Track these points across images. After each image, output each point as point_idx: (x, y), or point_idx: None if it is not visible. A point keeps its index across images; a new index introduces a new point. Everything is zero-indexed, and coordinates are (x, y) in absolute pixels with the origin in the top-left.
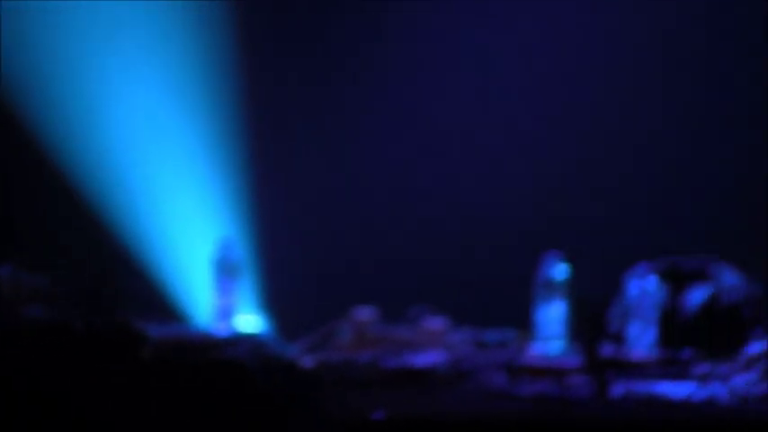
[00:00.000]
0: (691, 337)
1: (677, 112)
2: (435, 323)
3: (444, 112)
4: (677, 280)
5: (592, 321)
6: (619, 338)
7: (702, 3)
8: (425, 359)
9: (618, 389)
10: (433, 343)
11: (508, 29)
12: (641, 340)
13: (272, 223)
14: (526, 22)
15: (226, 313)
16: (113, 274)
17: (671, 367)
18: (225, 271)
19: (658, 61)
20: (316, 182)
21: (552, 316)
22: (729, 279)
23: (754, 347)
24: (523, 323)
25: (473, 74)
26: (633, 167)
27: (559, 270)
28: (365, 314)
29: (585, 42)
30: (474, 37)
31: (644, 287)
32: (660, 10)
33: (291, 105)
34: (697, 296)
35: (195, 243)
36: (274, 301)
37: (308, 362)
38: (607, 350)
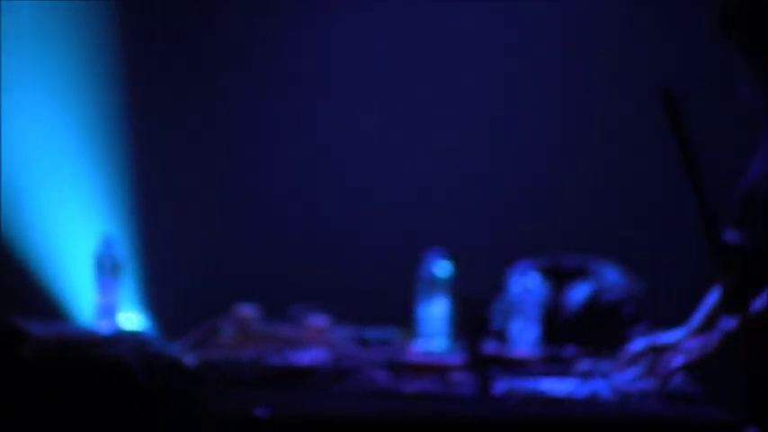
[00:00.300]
0: (573, 334)
1: (559, 112)
2: (317, 321)
3: (327, 112)
4: (559, 277)
5: (474, 319)
6: (501, 336)
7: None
8: (307, 357)
9: (500, 386)
10: (316, 341)
11: (403, 36)
12: (523, 338)
13: (154, 221)
14: (422, 24)
15: (108, 311)
16: None
17: (553, 364)
18: (107, 269)
19: (540, 65)
20: (199, 180)
21: (434, 313)
22: (610, 276)
23: (636, 344)
24: (406, 321)
25: (361, 76)
26: (515, 165)
27: (441, 267)
28: (247, 312)
29: (479, 45)
30: (372, 40)
31: (526, 285)
32: (566, 14)
33: (176, 103)
34: (578, 293)
35: (77, 241)
36: (156, 299)
37: (190, 360)
38: (489, 347)
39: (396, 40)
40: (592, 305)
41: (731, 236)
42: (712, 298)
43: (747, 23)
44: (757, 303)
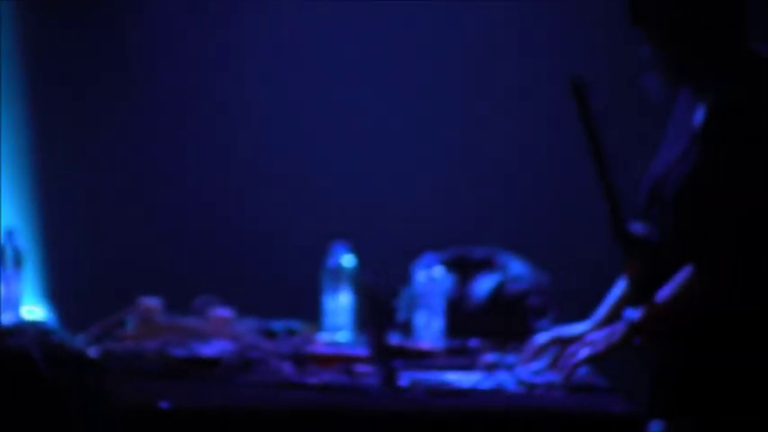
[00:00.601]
0: (478, 326)
1: (463, 104)
2: (222, 313)
3: (232, 106)
4: (464, 269)
5: (379, 311)
6: (406, 328)
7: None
8: (212, 348)
9: (405, 377)
10: (220, 332)
11: (319, 34)
12: (428, 330)
13: (58, 214)
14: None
15: (11, 303)
16: None
17: (458, 356)
18: (9, 261)
19: (447, 63)
20: (103, 172)
21: (339, 306)
22: (516, 269)
23: (541, 336)
24: (311, 313)
25: (274, 71)
26: (419, 157)
27: (346, 260)
28: (151, 304)
29: (390, 45)
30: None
31: (431, 277)
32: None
33: (80, 95)
34: (484, 285)
35: None
36: (60, 291)
37: (93, 351)
38: (394, 339)
39: (312, 39)
40: (497, 297)
41: (637, 227)
42: (617, 290)
43: (656, 10)
44: (662, 294)
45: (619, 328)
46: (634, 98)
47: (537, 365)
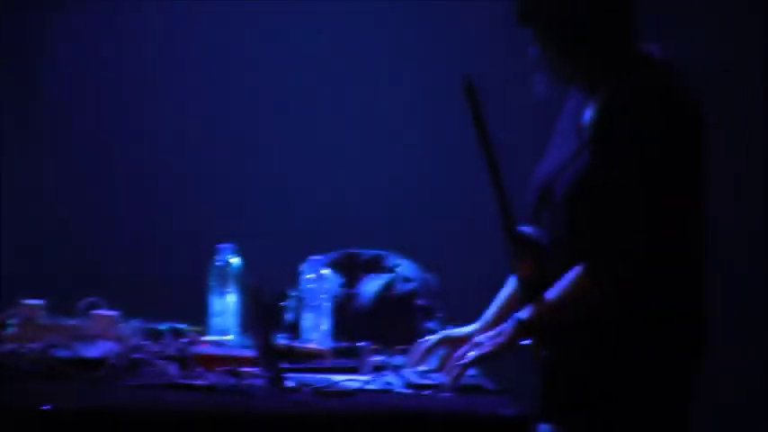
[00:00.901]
0: (365, 327)
1: (352, 105)
2: (107, 314)
3: (116, 104)
4: (352, 270)
5: (265, 312)
6: (294, 329)
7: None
8: (96, 349)
9: (292, 379)
10: (105, 333)
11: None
12: (316, 331)
13: None
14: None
15: None
16: None
17: (346, 358)
18: None
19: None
20: None
21: (225, 307)
22: (404, 270)
23: (429, 338)
24: (197, 315)
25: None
26: (306, 159)
27: (232, 262)
28: (34, 305)
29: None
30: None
31: (318, 278)
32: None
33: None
34: (371, 287)
35: None
36: None
37: None
38: (281, 341)
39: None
40: (384, 298)
41: (527, 229)
42: (506, 291)
43: (543, 10)
44: (550, 293)
45: (507, 328)
46: (527, 99)
47: (425, 367)
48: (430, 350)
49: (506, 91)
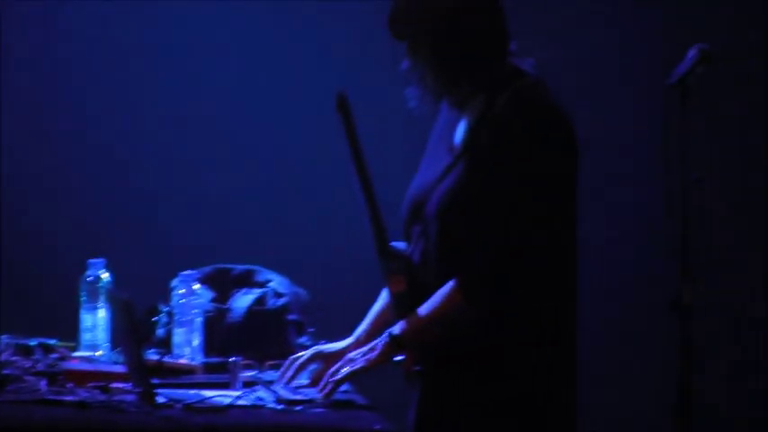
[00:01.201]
0: (237, 342)
1: (222, 118)
2: None
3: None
4: (223, 285)
5: (136, 328)
6: (165, 344)
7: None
8: None
9: (163, 395)
10: None
11: None
12: (187, 346)
13: None
14: None
15: None
16: None
17: (217, 373)
18: None
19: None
20: None
21: (96, 322)
22: (275, 285)
23: (301, 353)
24: (68, 330)
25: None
26: (179, 174)
27: (103, 277)
28: None
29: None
30: None
31: (189, 293)
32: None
33: None
34: (243, 301)
35: None
36: None
37: None
38: (152, 356)
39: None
40: (255, 313)
41: (399, 244)
42: (378, 306)
43: (416, 26)
44: (422, 308)
45: (380, 344)
46: (401, 113)
47: (295, 381)
48: (302, 366)
49: (380, 104)
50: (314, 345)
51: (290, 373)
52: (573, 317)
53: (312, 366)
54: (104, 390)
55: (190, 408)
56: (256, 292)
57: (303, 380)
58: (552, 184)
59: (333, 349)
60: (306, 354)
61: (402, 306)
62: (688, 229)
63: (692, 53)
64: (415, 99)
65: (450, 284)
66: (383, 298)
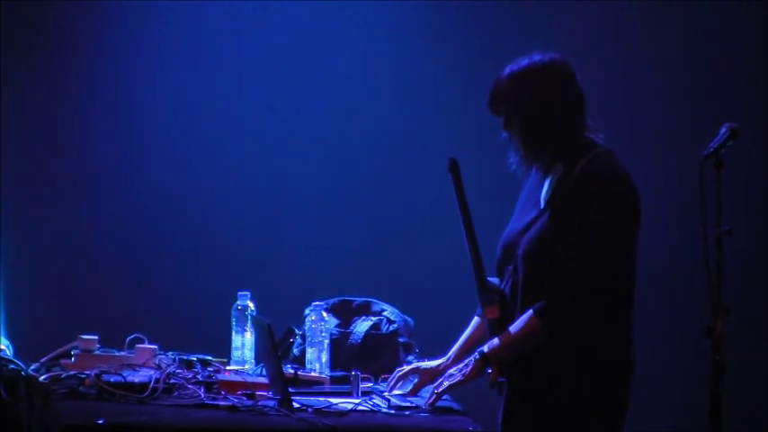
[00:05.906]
0: (356, 360)
1: (352, 164)
2: (148, 347)
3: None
4: (346, 313)
5: (276, 347)
6: (299, 361)
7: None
8: (140, 376)
9: (298, 401)
10: (147, 363)
11: None
12: (317, 362)
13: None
14: None
15: None
16: None
17: (341, 384)
18: None
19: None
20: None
21: (244, 342)
22: (388, 313)
23: (403, 368)
24: (221, 348)
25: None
26: (310, 218)
27: (249, 305)
28: (89, 340)
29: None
30: None
31: (319, 319)
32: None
33: None
34: (362, 327)
35: None
36: (14, 325)
37: (44, 377)
38: (289, 370)
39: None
40: (372, 336)
41: (494, 280)
42: (467, 332)
43: (509, 106)
44: (507, 332)
45: (472, 361)
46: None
47: (399, 390)
48: (403, 377)
49: (484, 167)
50: (415, 361)
51: (392, 383)
52: (628, 336)
53: (411, 378)
54: (251, 396)
55: (319, 411)
56: (373, 320)
57: (404, 389)
58: (616, 233)
59: (429, 365)
60: (407, 368)
61: (494, 329)
62: (720, 271)
63: (723, 130)
64: (514, 163)
65: (529, 312)
66: (472, 326)
